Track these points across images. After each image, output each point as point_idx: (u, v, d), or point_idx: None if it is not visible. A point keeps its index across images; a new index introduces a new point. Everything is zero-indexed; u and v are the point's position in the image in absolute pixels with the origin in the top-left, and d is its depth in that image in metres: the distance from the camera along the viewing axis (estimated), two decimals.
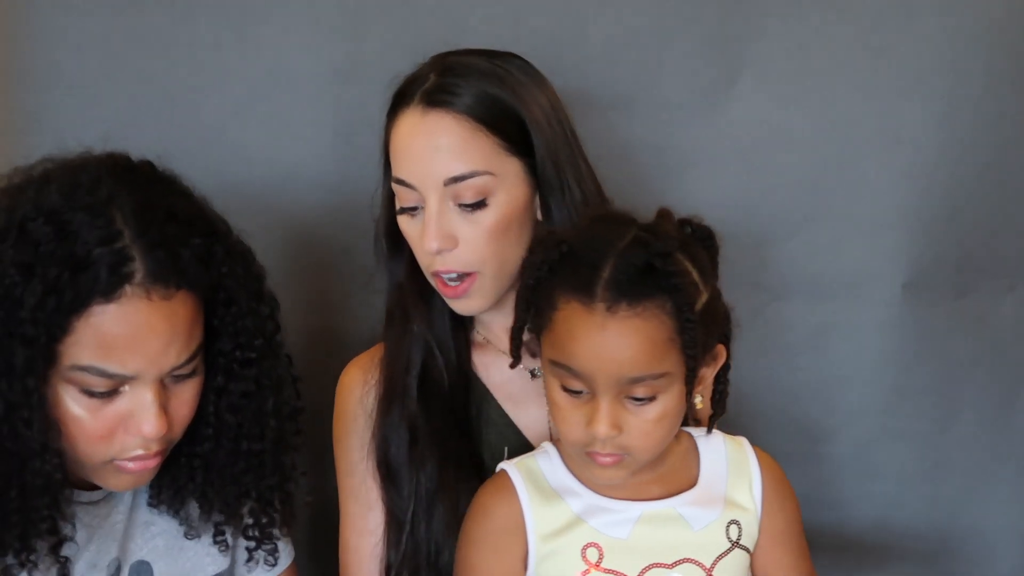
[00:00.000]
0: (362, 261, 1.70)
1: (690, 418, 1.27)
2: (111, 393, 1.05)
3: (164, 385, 1.08)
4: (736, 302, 1.37)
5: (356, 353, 1.58)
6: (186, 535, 1.22)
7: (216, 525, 1.22)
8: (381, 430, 1.38)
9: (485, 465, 1.34)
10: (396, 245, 1.39)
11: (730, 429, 1.31)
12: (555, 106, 1.34)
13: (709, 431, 1.25)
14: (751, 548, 1.21)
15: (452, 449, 1.35)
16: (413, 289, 1.39)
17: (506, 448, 1.34)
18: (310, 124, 1.66)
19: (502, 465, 1.24)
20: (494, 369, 1.41)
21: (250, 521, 1.22)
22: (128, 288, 1.02)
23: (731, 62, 1.70)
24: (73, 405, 1.05)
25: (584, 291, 1.11)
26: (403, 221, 1.34)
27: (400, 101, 1.33)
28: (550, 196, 1.32)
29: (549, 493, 1.20)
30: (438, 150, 1.27)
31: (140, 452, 1.08)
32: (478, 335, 1.43)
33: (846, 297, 1.78)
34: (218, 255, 1.11)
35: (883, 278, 1.76)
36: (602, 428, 1.12)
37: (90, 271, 1.01)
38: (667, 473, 1.21)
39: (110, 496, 1.19)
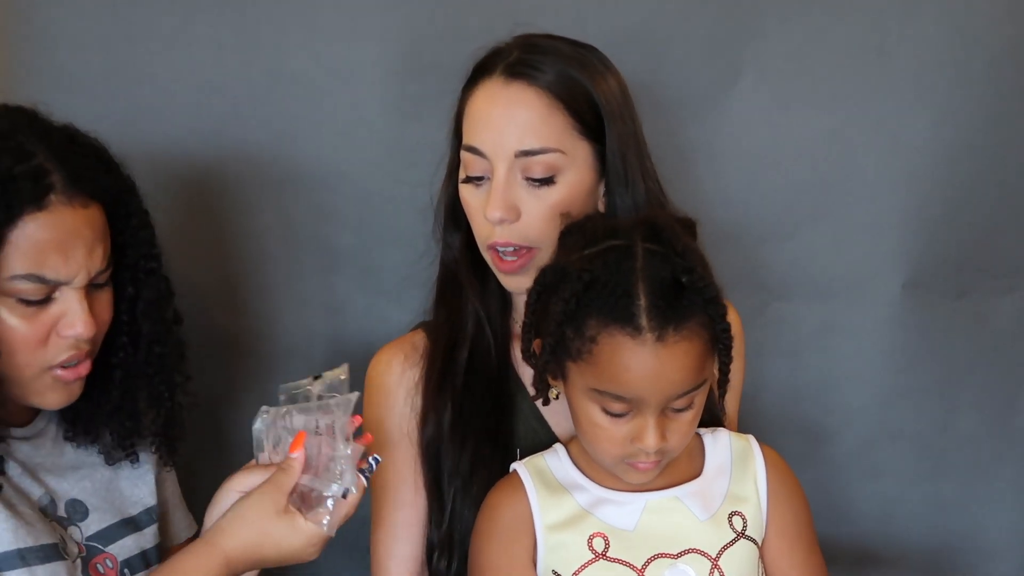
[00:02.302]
0: (363, 262, 1.71)
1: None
2: (44, 301, 1.16)
3: (88, 292, 1.19)
4: (736, 302, 1.38)
5: (356, 353, 1.57)
6: (106, 461, 1.32)
7: (129, 444, 1.32)
8: (429, 405, 1.37)
9: (512, 455, 1.34)
10: (455, 218, 1.40)
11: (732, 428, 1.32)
12: (628, 102, 1.35)
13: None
14: (759, 540, 1.22)
15: (491, 430, 1.36)
16: (468, 265, 1.39)
17: (519, 449, 1.34)
18: (310, 124, 1.66)
19: (513, 465, 1.27)
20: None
21: (156, 429, 1.33)
22: (53, 197, 1.14)
23: (731, 62, 1.70)
24: (9, 316, 1.14)
25: (628, 322, 1.12)
26: (466, 191, 1.34)
27: (481, 72, 1.34)
28: (616, 187, 1.33)
29: (556, 488, 1.24)
30: (515, 121, 1.29)
31: (72, 354, 1.19)
32: (517, 325, 1.42)
33: (846, 297, 1.78)
34: (115, 171, 1.24)
35: (883, 278, 1.76)
36: (653, 442, 1.15)
37: (15, 184, 1.12)
38: (672, 466, 1.23)
39: (35, 435, 1.28)
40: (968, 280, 1.79)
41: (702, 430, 1.28)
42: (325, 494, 1.18)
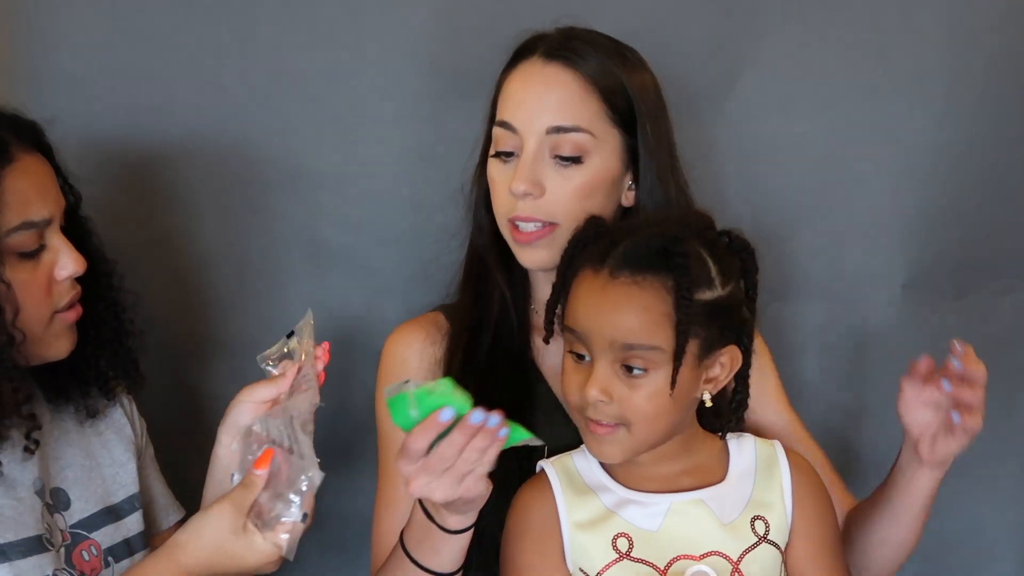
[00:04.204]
0: (362, 262, 1.71)
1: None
2: (38, 251, 1.24)
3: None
4: None
5: (356, 353, 1.58)
6: (88, 415, 1.37)
7: (97, 390, 1.38)
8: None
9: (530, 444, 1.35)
10: (488, 202, 1.41)
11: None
12: (662, 104, 1.39)
13: (723, 437, 1.29)
14: (782, 545, 1.23)
15: (512, 414, 1.35)
16: (497, 247, 1.41)
17: (546, 447, 1.34)
18: (311, 124, 1.66)
19: (541, 463, 1.28)
20: (546, 353, 1.41)
21: (114, 364, 1.39)
22: (14, 150, 1.23)
23: (731, 62, 1.70)
24: (16, 274, 1.21)
25: (597, 259, 1.18)
26: (493, 166, 1.37)
27: (522, 53, 1.38)
28: (645, 181, 1.36)
29: (583, 488, 1.25)
30: (549, 99, 1.32)
31: (72, 294, 1.27)
32: (537, 315, 1.43)
33: (846, 297, 1.78)
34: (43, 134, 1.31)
35: (883, 278, 1.76)
36: (593, 391, 1.17)
37: None
38: (697, 468, 1.25)
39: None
40: (968, 280, 1.79)
41: (728, 436, 1.29)
42: (284, 519, 1.18)
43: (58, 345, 1.28)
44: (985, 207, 1.76)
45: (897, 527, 1.35)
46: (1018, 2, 1.70)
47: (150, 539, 1.41)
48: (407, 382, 1.13)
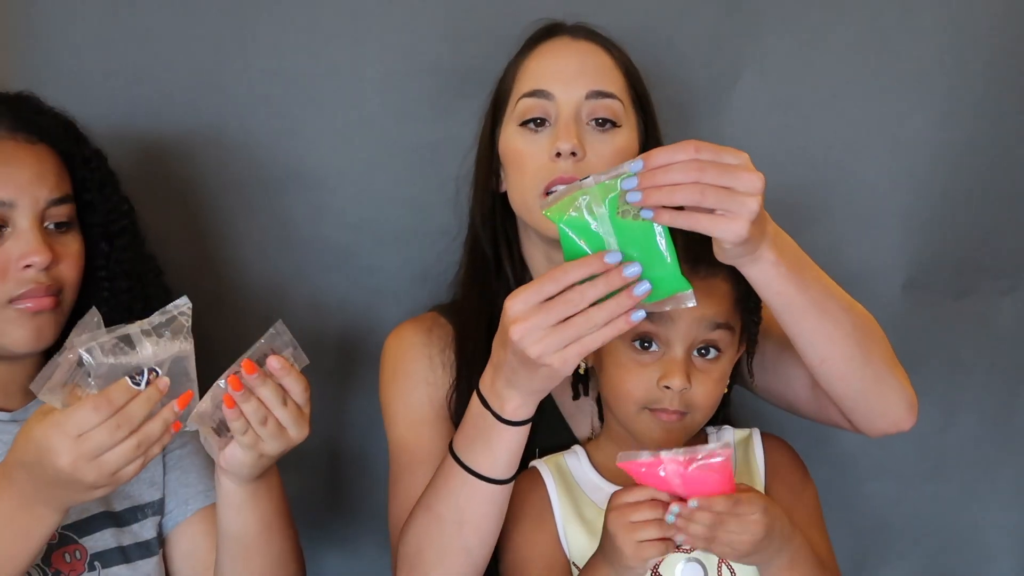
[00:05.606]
0: (363, 262, 1.71)
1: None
2: None
3: (47, 232, 1.26)
4: None
5: (356, 353, 1.58)
6: None
7: None
8: (462, 385, 1.37)
9: (532, 447, 1.32)
10: (493, 177, 1.42)
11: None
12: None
13: (705, 428, 1.32)
14: None
15: None
16: (505, 238, 1.43)
17: (536, 449, 1.34)
18: (310, 124, 1.66)
19: (534, 463, 1.29)
20: None
21: None
22: None
23: (731, 62, 1.70)
24: None
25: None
26: (521, 137, 1.37)
27: (544, 35, 1.42)
28: None
29: (574, 487, 1.28)
30: (586, 67, 1.37)
31: (32, 287, 1.23)
32: None
33: None
34: (72, 132, 1.33)
35: (883, 278, 1.76)
36: (677, 380, 1.18)
37: None
38: None
39: (23, 419, 1.27)
40: (968, 280, 1.79)
41: (708, 428, 1.31)
42: None
43: (12, 335, 1.24)
44: (985, 207, 1.76)
45: (799, 335, 1.22)
46: (1018, 2, 1.70)
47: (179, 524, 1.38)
48: (585, 179, 1.02)
